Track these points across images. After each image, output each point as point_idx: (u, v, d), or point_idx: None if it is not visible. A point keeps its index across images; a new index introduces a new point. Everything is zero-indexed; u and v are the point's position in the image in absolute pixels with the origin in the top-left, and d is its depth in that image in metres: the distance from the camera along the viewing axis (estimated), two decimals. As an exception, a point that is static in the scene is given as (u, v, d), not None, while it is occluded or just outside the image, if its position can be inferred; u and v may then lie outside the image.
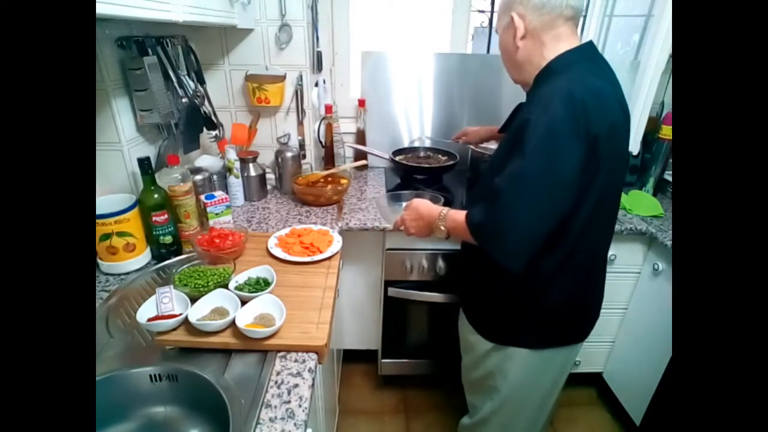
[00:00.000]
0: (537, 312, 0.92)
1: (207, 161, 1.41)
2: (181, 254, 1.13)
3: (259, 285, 0.95)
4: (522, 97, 0.94)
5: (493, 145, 1.50)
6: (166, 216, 1.06)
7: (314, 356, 0.81)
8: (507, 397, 1.02)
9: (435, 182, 1.64)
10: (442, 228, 0.91)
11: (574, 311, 0.94)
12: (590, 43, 0.85)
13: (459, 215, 0.86)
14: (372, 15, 1.74)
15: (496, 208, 0.77)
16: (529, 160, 0.74)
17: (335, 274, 1.05)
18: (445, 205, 0.97)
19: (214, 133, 1.44)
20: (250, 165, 1.46)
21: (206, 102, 1.38)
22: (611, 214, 0.93)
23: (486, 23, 1.95)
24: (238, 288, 0.92)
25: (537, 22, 0.81)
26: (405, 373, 1.68)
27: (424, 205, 0.98)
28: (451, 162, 1.67)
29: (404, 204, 1.05)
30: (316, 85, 1.64)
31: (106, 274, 1.04)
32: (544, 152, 0.74)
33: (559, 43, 0.82)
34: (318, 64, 1.60)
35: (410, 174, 1.66)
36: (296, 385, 0.74)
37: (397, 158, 1.67)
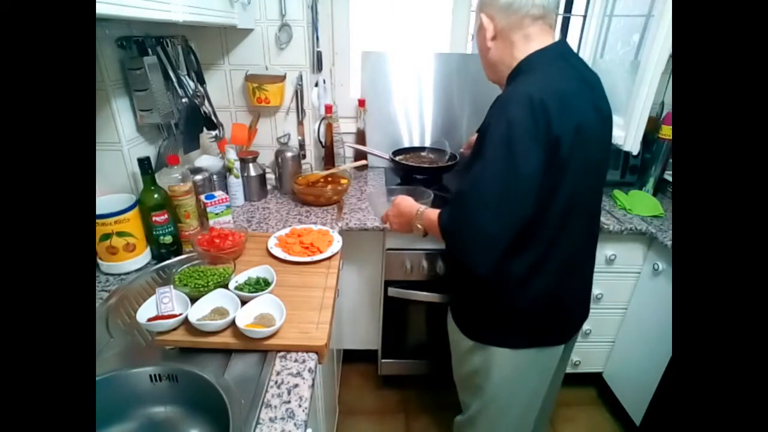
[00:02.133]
0: (511, 313, 0.91)
1: (207, 161, 1.41)
2: (181, 254, 1.13)
3: (259, 285, 0.95)
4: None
5: None
6: (166, 216, 1.06)
7: (314, 356, 0.81)
8: (491, 396, 1.02)
9: (435, 182, 1.64)
10: (419, 226, 0.92)
11: (551, 314, 0.93)
12: (562, 42, 0.84)
13: (433, 214, 0.87)
14: (372, 15, 1.74)
15: (459, 210, 0.78)
16: (489, 163, 0.75)
17: (335, 274, 1.05)
18: (438, 202, 0.97)
19: (214, 133, 1.44)
20: (250, 165, 1.46)
21: (206, 102, 1.37)
22: (590, 218, 0.92)
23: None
24: (238, 288, 0.92)
25: (505, 22, 0.82)
26: (405, 373, 1.68)
27: (405, 202, 0.98)
28: (451, 162, 1.67)
29: (392, 199, 1.05)
30: (316, 85, 1.64)
31: (106, 274, 1.04)
32: (502, 155, 0.74)
33: (529, 42, 0.82)
34: (318, 64, 1.60)
35: (410, 174, 1.66)
36: (296, 385, 0.74)
37: (397, 158, 1.67)
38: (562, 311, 0.96)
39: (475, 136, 1.50)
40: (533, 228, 0.81)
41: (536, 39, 0.82)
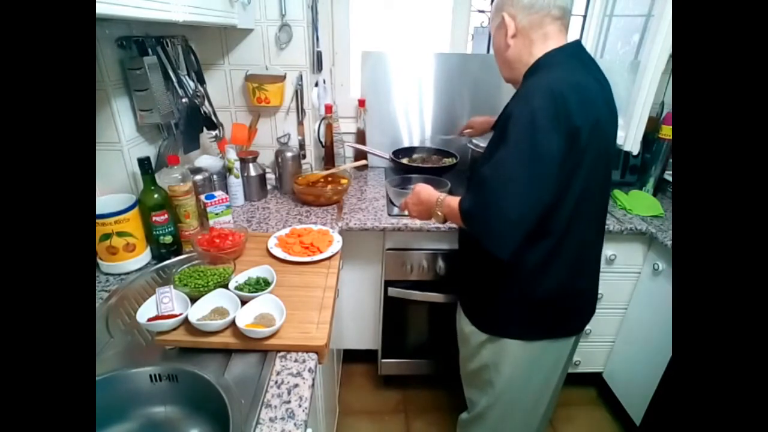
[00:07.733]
0: (526, 303, 0.94)
1: (207, 161, 1.41)
2: (181, 254, 1.13)
3: (259, 285, 0.95)
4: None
5: None
6: (166, 216, 1.06)
7: (314, 356, 0.81)
8: (501, 391, 1.03)
9: (435, 182, 1.64)
10: (439, 213, 0.94)
11: (564, 304, 0.96)
12: (578, 42, 0.88)
13: (453, 201, 0.89)
14: (372, 15, 1.74)
15: (482, 194, 0.80)
16: (512, 149, 0.78)
17: (335, 274, 1.05)
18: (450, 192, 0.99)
19: (214, 133, 1.44)
20: (250, 165, 1.46)
21: (206, 102, 1.37)
22: (599, 211, 0.95)
23: (486, 23, 1.95)
24: (238, 288, 0.92)
25: (526, 21, 0.85)
26: (405, 373, 1.68)
27: (425, 191, 1.01)
28: (451, 162, 1.67)
29: (411, 187, 1.08)
30: (316, 85, 1.63)
31: (106, 274, 1.04)
32: (526, 142, 0.77)
33: (547, 41, 0.86)
34: (318, 64, 1.59)
35: (410, 174, 1.66)
36: (296, 385, 0.74)
37: (398, 158, 1.67)
38: (573, 302, 0.99)
39: (475, 118, 1.52)
40: (549, 217, 0.84)
41: (554, 38, 0.86)
